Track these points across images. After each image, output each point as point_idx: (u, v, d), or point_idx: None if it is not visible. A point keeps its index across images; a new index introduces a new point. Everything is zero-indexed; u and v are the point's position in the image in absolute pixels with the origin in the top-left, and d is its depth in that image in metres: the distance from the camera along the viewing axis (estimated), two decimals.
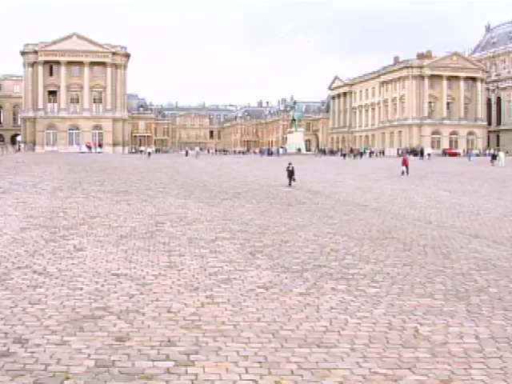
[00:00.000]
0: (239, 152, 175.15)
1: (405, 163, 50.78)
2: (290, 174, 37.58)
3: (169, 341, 8.21)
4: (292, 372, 7.25)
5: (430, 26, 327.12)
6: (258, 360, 7.59)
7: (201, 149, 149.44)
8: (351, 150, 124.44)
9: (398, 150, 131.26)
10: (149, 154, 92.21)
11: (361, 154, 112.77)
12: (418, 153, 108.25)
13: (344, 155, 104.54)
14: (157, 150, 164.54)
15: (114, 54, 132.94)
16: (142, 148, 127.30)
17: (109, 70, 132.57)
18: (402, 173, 49.91)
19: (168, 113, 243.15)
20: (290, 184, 36.86)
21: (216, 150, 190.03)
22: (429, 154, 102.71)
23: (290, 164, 37.87)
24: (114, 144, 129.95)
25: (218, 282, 11.60)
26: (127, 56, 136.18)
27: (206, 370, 7.24)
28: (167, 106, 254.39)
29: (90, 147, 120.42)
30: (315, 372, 7.26)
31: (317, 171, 49.81)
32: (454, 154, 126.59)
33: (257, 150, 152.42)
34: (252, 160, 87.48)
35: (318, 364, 7.52)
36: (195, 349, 7.92)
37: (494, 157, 75.00)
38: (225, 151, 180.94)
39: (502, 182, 44.46)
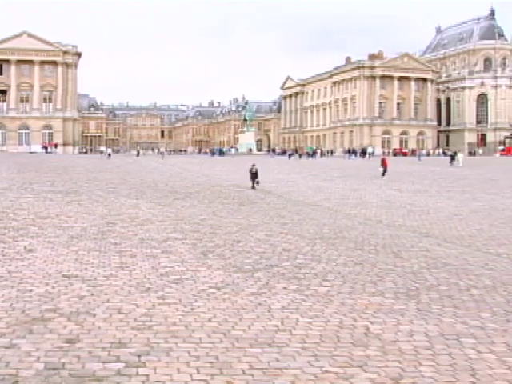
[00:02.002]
0: (200, 152, 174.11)
1: (383, 164, 48.05)
2: (254, 176, 35.29)
3: (119, 342, 8.15)
4: (243, 372, 7.25)
5: (382, 27, 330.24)
6: (209, 360, 7.58)
7: (153, 149, 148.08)
8: (296, 150, 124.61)
9: (343, 149, 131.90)
10: (109, 154, 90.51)
11: (308, 154, 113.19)
12: (361, 153, 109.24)
13: (290, 155, 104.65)
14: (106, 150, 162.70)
15: (64, 52, 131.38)
16: (102, 148, 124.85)
17: (59, 69, 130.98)
18: (382, 174, 47.15)
19: (119, 112, 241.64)
20: (253, 187, 34.75)
21: (171, 151, 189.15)
22: (369, 154, 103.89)
23: (253, 166, 35.65)
24: (65, 144, 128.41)
25: (170, 282, 11.56)
26: (78, 55, 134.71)
27: (158, 370, 7.20)
28: (118, 105, 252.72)
29: (46, 147, 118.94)
30: (267, 372, 7.27)
31: (269, 171, 49.83)
32: (405, 154, 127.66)
33: (208, 150, 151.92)
34: (203, 160, 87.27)
35: (270, 363, 7.53)
36: (146, 350, 7.87)
37: (452, 157, 75.27)
38: (180, 151, 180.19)
39: (452, 181, 45.01)
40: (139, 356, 7.65)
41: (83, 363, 7.39)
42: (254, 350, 7.98)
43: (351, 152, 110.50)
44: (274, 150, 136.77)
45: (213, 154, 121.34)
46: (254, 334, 8.60)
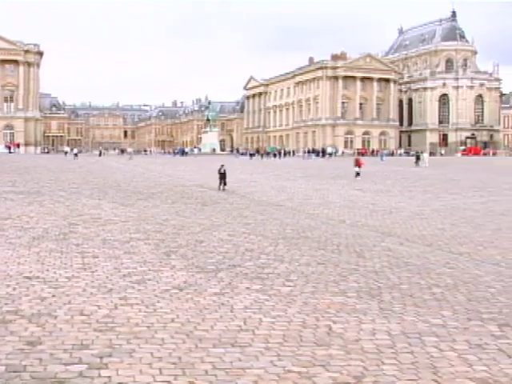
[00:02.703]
0: (164, 152, 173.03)
1: (358, 164, 47.26)
2: (222, 176, 34.18)
3: (81, 344, 8.08)
4: (206, 372, 7.23)
5: (345, 27, 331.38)
6: (172, 361, 7.55)
7: (115, 149, 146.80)
8: (257, 150, 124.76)
9: (303, 149, 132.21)
10: (75, 155, 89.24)
11: (268, 154, 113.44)
12: (321, 153, 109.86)
13: (251, 155, 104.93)
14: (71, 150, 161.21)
15: (26, 51, 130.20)
16: (66, 148, 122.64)
17: (21, 68, 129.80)
18: (357, 174, 46.50)
19: (82, 112, 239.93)
20: (222, 188, 33.73)
21: (136, 151, 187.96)
22: (329, 154, 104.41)
23: (222, 166, 34.48)
24: (27, 144, 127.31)
25: (132, 283, 11.50)
26: (40, 54, 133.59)
27: (120, 372, 7.16)
28: (81, 105, 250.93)
29: (9, 147, 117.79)
30: (230, 372, 7.26)
31: (232, 171, 49.84)
32: (364, 153, 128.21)
33: (177, 150, 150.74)
34: (166, 160, 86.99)
35: (233, 364, 7.52)
36: (108, 351, 7.82)
37: (418, 157, 75.53)
38: (145, 151, 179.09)
39: (414, 181, 45.35)
40: (101, 357, 7.59)
41: (45, 365, 7.32)
42: (217, 350, 7.96)
43: (310, 152, 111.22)
44: (238, 150, 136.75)
45: (175, 154, 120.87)
46: (216, 335, 8.59)
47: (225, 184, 33.95)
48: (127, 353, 7.78)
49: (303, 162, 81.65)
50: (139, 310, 9.74)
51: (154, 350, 7.90)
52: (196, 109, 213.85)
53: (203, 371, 7.25)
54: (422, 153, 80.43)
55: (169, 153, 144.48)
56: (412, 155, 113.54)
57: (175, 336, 8.48)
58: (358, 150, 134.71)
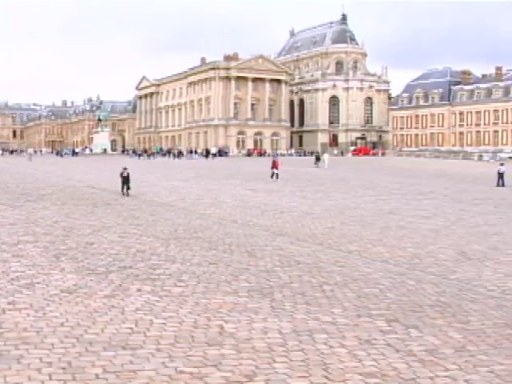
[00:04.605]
0: (57, 153, 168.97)
1: (274, 165, 46.99)
2: (125, 180, 31.77)
3: None
4: (97, 376, 7.15)
5: (240, 28, 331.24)
6: (61, 366, 7.43)
7: (34, 151, 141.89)
8: (145, 150, 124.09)
9: (187, 149, 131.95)
10: None
11: (153, 153, 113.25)
12: (205, 153, 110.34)
13: (139, 155, 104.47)
14: None
15: None
16: None
17: None
18: (272, 176, 46.08)
19: None
20: (124, 193, 31.39)
21: (21, 151, 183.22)
22: (213, 154, 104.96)
23: (124, 169, 31.96)
24: None
25: (21, 286, 11.25)
26: None
27: (8, 379, 7.00)
28: None
29: None
30: (121, 375, 7.21)
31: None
32: (259, 153, 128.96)
33: (68, 151, 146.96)
34: (57, 160, 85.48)
35: (124, 366, 7.46)
36: None
37: (317, 158, 75.04)
38: (35, 151, 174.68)
39: (305, 181, 45.95)
40: None
41: None
42: (108, 353, 7.89)
43: (192, 152, 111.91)
44: (134, 151, 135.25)
45: (61, 154, 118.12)
46: (107, 337, 8.50)
47: (128, 188, 31.71)
48: (15, 359, 7.61)
49: (193, 162, 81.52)
50: (28, 314, 9.54)
51: (43, 355, 7.75)
52: (87, 108, 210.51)
53: (94, 375, 7.17)
54: (322, 153, 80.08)
55: (66, 154, 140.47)
56: (301, 155, 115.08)
57: (65, 340, 8.35)
58: (249, 149, 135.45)
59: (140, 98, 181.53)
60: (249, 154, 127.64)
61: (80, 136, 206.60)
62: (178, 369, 7.44)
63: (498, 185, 43.68)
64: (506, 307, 11.06)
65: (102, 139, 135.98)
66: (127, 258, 14.37)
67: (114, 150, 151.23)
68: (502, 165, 46.28)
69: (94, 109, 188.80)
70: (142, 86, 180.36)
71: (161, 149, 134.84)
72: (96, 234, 18.01)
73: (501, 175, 44.56)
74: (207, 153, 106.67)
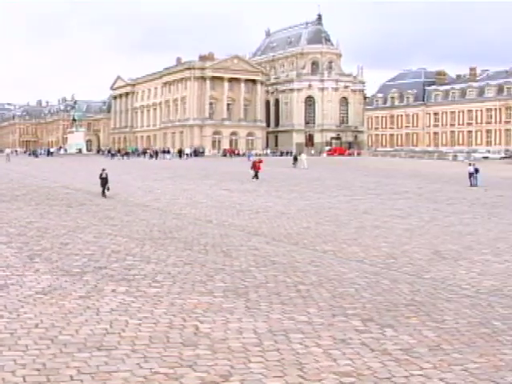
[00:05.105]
0: (32, 153, 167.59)
1: (255, 167, 47.06)
2: (104, 181, 31.69)
3: None
4: (71, 377, 7.11)
5: (215, 28, 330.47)
6: (36, 367, 7.38)
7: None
8: (119, 150, 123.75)
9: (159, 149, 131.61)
10: None
11: (127, 153, 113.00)
12: (178, 153, 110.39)
13: (113, 155, 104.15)
14: None
15: None
16: None
17: None
18: (254, 176, 46.31)
19: None
20: (103, 194, 31.24)
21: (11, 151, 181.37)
22: (187, 155, 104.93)
23: (103, 170, 31.99)
24: None
25: None
26: None
27: None
28: None
29: None
30: (95, 376, 7.18)
31: (97, 172, 49.15)
32: (232, 153, 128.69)
33: (43, 151, 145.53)
34: (31, 161, 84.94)
35: (99, 367, 7.43)
36: None
37: (295, 158, 74.08)
38: (17, 151, 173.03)
39: (280, 181, 45.98)
40: None
41: None
42: (83, 354, 7.85)
43: (165, 152, 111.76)
44: (109, 151, 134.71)
45: (36, 155, 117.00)
46: (82, 339, 8.46)
47: (107, 189, 31.62)
48: None
49: (168, 163, 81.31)
50: (2, 316, 9.48)
51: (17, 357, 7.70)
52: (62, 108, 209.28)
53: (68, 377, 7.14)
54: (299, 153, 79.49)
55: (29, 154, 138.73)
56: (277, 155, 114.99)
57: (39, 342, 8.30)
58: (225, 149, 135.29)
59: (115, 97, 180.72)
60: (224, 154, 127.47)
61: (55, 136, 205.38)
62: (153, 370, 7.42)
63: (471, 185, 43.94)
64: (479, 306, 11.14)
65: (76, 139, 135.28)
66: (102, 258, 14.32)
67: (89, 150, 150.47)
68: (470, 165, 46.76)
69: (68, 109, 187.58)
70: (116, 85, 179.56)
71: (136, 149, 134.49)
72: (71, 234, 17.93)
73: (471, 175, 44.84)
74: (180, 153, 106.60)
